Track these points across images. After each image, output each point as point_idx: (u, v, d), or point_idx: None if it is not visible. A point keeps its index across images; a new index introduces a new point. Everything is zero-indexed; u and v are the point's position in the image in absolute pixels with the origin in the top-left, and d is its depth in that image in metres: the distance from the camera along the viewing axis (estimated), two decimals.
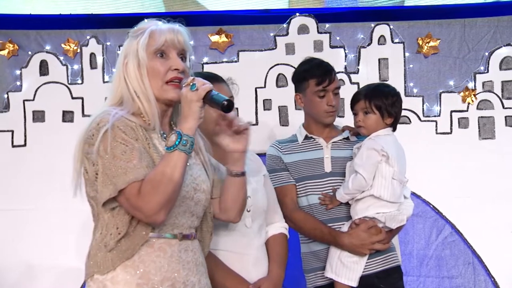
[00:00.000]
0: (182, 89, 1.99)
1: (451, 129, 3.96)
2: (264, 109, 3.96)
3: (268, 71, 3.97)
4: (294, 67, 3.17)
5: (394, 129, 2.86)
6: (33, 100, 3.95)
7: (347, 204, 2.82)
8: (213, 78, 2.55)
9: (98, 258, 1.98)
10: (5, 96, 3.95)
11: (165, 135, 2.08)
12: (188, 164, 2.02)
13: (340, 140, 2.97)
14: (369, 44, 3.99)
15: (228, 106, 1.95)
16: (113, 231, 1.96)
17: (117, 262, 1.96)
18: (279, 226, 2.72)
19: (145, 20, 3.85)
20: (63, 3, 4.08)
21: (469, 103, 3.96)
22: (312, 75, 2.91)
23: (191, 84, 1.96)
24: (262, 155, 3.03)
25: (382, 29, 3.99)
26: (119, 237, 1.96)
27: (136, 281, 1.95)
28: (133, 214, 1.96)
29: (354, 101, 2.86)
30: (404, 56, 3.99)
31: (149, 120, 2.05)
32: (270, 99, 3.97)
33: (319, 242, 2.87)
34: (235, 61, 3.98)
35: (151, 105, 2.03)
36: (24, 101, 3.95)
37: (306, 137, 2.98)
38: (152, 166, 1.96)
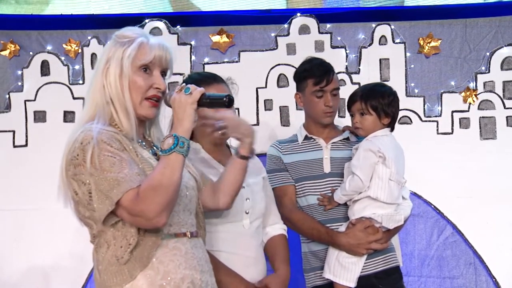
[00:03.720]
0: (171, 96, 2.01)
1: (452, 129, 3.96)
2: (265, 109, 3.96)
3: (269, 71, 3.97)
4: (295, 67, 3.17)
5: (392, 129, 2.85)
6: (34, 100, 3.95)
7: (346, 205, 2.82)
8: (213, 78, 2.56)
9: (112, 272, 1.96)
10: (7, 96, 3.96)
11: (143, 143, 2.10)
12: None
13: (340, 140, 2.97)
14: (370, 44, 3.99)
15: (229, 101, 2.00)
16: (123, 243, 1.95)
17: (134, 272, 1.95)
18: (279, 228, 2.72)
19: (148, 22, 3.85)
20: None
21: (470, 103, 3.96)
22: (311, 75, 2.92)
23: (184, 88, 1.99)
24: (263, 155, 3.04)
25: (383, 29, 3.99)
26: (131, 247, 1.95)
27: (158, 282, 1.96)
28: (134, 221, 1.94)
29: (351, 102, 2.85)
30: (405, 56, 3.99)
31: (122, 128, 2.03)
32: (271, 99, 3.97)
33: (318, 242, 2.87)
34: (236, 61, 3.98)
35: (130, 117, 2.03)
36: (25, 101, 3.95)
37: (306, 137, 2.99)
38: (142, 174, 1.95)
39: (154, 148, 2.13)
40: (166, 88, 2.09)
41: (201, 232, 2.21)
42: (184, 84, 2.02)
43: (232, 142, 2.73)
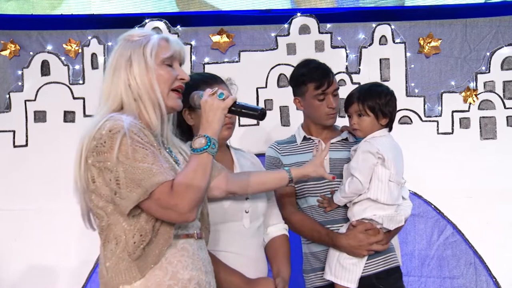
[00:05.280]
0: (201, 98, 2.08)
1: (452, 129, 3.96)
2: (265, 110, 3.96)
3: (269, 71, 3.97)
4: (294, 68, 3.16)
5: (390, 129, 2.83)
6: (35, 100, 3.96)
7: (346, 206, 2.80)
8: (213, 79, 2.55)
9: (121, 269, 1.97)
10: (7, 96, 3.96)
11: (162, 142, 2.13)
12: None
13: (338, 141, 2.95)
14: (370, 44, 3.99)
15: (263, 114, 2.10)
16: (136, 239, 1.96)
17: (145, 270, 1.96)
18: (281, 228, 2.72)
19: (148, 22, 3.86)
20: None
21: (470, 103, 3.96)
22: (311, 79, 2.88)
23: (218, 93, 2.06)
24: (263, 155, 3.03)
25: (384, 29, 3.99)
26: (144, 244, 1.96)
27: (167, 282, 1.97)
28: (164, 214, 1.95)
29: (348, 103, 2.82)
30: (406, 56, 3.99)
31: (150, 124, 2.06)
32: (271, 99, 3.97)
33: (318, 243, 2.87)
34: (236, 61, 3.98)
35: (161, 110, 2.06)
36: (25, 101, 3.95)
37: (305, 138, 2.97)
38: (172, 169, 2.00)
39: (167, 149, 2.15)
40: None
41: (205, 233, 2.23)
42: (216, 88, 2.09)
43: (232, 143, 2.74)
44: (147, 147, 1.95)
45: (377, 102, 2.76)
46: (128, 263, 1.96)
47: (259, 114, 2.08)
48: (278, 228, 2.71)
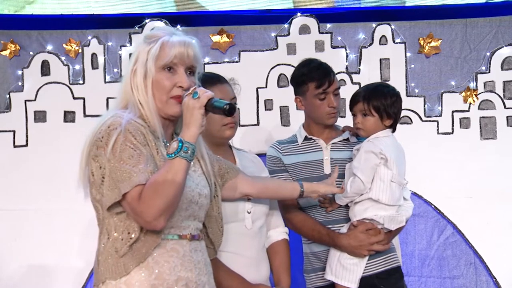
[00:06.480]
0: (184, 99, 2.01)
1: (452, 129, 3.96)
2: (266, 109, 3.97)
3: (269, 71, 3.97)
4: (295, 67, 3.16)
5: (394, 130, 2.83)
6: (35, 100, 3.96)
7: (347, 206, 2.79)
8: (216, 79, 2.56)
9: (109, 264, 1.97)
10: (7, 96, 3.96)
11: (168, 144, 2.09)
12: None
13: (340, 141, 2.95)
14: (370, 44, 3.99)
15: (230, 109, 1.99)
16: (124, 236, 1.97)
17: (130, 267, 1.96)
18: (281, 232, 2.72)
19: (148, 22, 3.86)
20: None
21: (470, 103, 3.96)
22: (312, 79, 2.88)
23: (193, 92, 1.99)
24: (263, 155, 3.04)
25: (384, 29, 3.99)
26: (131, 241, 1.96)
27: (151, 282, 1.97)
28: (134, 219, 1.96)
29: (353, 102, 2.82)
30: (406, 56, 3.99)
31: (151, 125, 2.06)
32: (272, 99, 3.97)
33: (319, 243, 2.87)
34: (237, 61, 3.98)
35: (153, 116, 2.05)
36: (25, 101, 3.95)
37: (306, 138, 2.96)
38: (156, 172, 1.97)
39: None
40: (191, 85, 2.06)
41: (215, 236, 2.25)
42: (195, 87, 2.02)
43: (235, 143, 2.74)
44: (136, 148, 1.95)
45: (382, 103, 2.75)
46: (115, 259, 1.97)
47: (225, 110, 1.98)
48: (278, 232, 2.71)
